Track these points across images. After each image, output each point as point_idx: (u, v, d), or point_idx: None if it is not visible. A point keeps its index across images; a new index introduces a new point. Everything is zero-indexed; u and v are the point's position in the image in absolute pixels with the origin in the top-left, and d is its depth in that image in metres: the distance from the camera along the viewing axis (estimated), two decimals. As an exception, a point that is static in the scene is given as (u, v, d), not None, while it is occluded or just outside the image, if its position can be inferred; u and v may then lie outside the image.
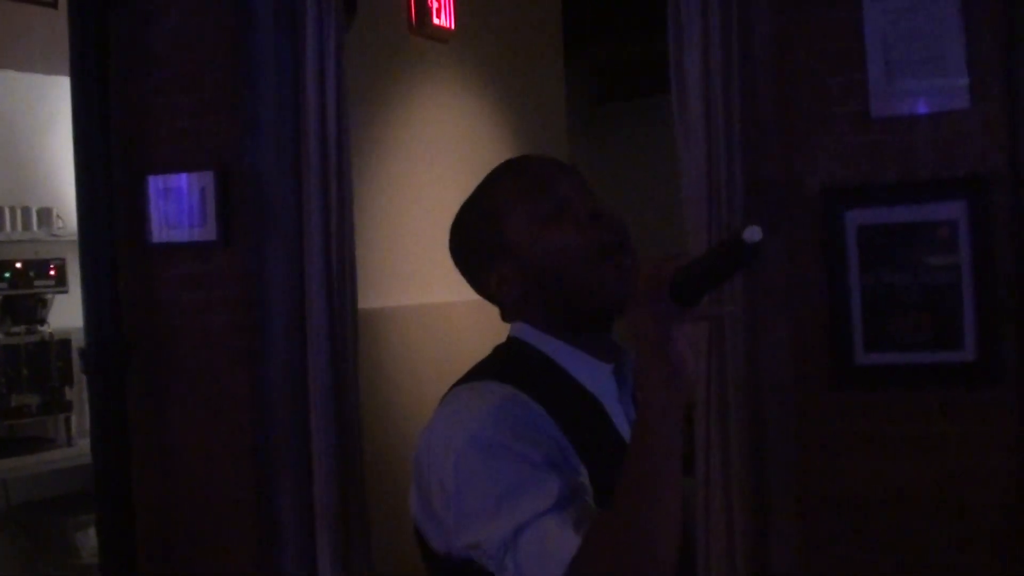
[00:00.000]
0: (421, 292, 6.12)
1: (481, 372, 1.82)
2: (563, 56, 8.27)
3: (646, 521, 1.53)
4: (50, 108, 6.59)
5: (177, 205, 4.85)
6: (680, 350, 1.54)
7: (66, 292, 6.41)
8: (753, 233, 1.48)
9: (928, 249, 3.76)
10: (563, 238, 1.81)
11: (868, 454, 3.87)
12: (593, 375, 1.84)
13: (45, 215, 6.66)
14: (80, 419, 6.31)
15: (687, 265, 1.54)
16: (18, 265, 6.33)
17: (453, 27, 6.60)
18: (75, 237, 4.99)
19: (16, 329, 6.36)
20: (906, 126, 3.80)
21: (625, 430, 1.82)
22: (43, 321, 6.48)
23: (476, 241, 1.91)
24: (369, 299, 5.30)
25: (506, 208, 1.87)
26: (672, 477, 1.56)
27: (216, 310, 4.81)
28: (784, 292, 3.90)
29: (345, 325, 4.60)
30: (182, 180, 4.84)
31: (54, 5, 6.35)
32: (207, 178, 4.79)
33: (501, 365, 1.84)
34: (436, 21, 6.43)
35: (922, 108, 3.78)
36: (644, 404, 1.56)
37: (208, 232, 4.80)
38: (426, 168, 6.39)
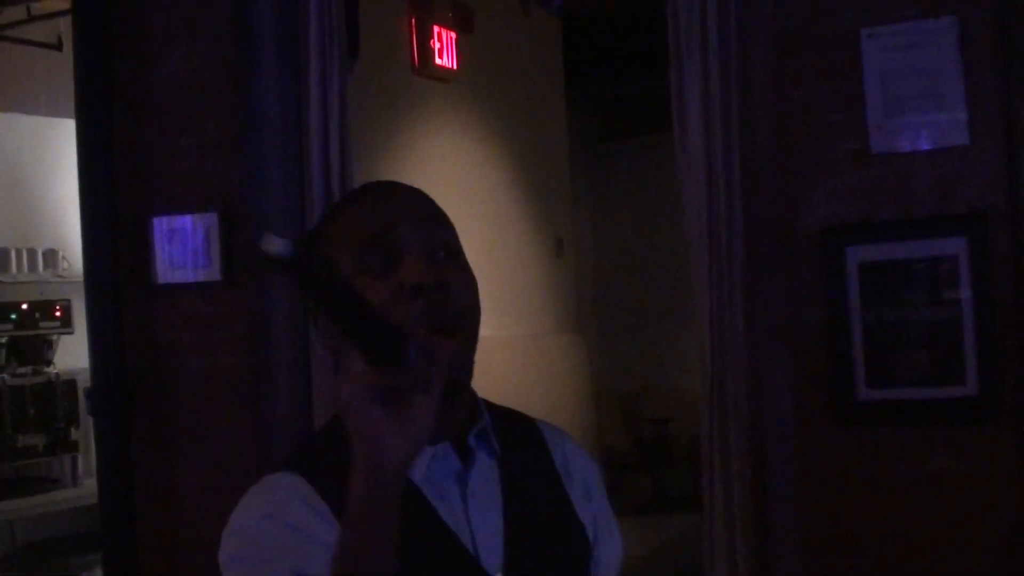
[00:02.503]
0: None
1: (292, 455, 1.69)
2: (565, 94, 8.31)
3: None
4: (55, 150, 6.64)
5: (182, 246, 4.87)
6: (382, 436, 1.33)
7: (72, 333, 6.43)
8: (267, 243, 1.24)
9: (929, 285, 3.77)
10: (370, 300, 1.43)
11: (870, 491, 3.86)
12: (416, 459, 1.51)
13: (51, 256, 6.70)
14: (86, 459, 6.33)
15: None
16: (24, 306, 6.36)
17: (455, 67, 6.65)
18: (80, 278, 5.02)
19: (22, 370, 6.39)
20: (905, 162, 3.82)
21: (457, 511, 1.62)
22: (49, 362, 6.50)
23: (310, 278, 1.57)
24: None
25: (332, 247, 1.61)
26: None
27: (221, 350, 4.83)
28: (785, 329, 3.90)
29: (349, 364, 4.60)
30: (186, 221, 4.86)
31: (59, 48, 6.41)
32: (211, 219, 4.81)
33: (311, 449, 1.70)
34: (438, 61, 6.48)
35: (921, 144, 3.80)
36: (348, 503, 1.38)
37: (213, 272, 4.82)
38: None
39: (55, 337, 6.53)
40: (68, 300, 6.46)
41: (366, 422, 1.32)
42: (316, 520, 1.53)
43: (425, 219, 1.64)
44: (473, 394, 1.73)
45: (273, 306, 4.68)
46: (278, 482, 1.61)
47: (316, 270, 1.31)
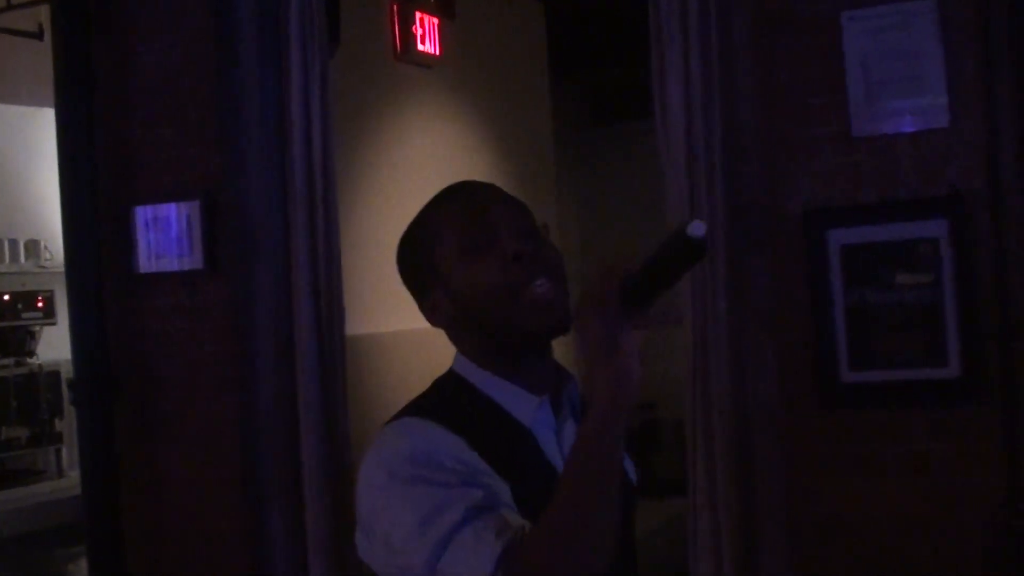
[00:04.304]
0: (409, 318, 6.07)
1: (409, 408, 1.85)
2: (549, 81, 8.29)
3: (582, 522, 1.56)
4: (36, 140, 6.61)
5: (164, 235, 4.85)
6: (627, 355, 1.57)
7: (55, 324, 6.41)
8: (697, 228, 1.44)
9: (911, 267, 3.77)
10: (484, 273, 1.81)
11: (855, 472, 3.87)
12: (524, 406, 1.85)
13: (32, 247, 6.68)
14: (71, 450, 6.31)
15: (636, 269, 1.54)
16: (6, 297, 6.34)
17: (438, 53, 6.62)
18: (63, 268, 5.00)
19: (5, 361, 6.36)
20: (887, 145, 3.82)
21: (557, 459, 1.83)
22: (32, 353, 6.48)
23: (413, 265, 1.93)
24: (357, 325, 5.30)
25: (438, 236, 1.87)
26: (611, 481, 1.59)
27: (204, 339, 4.81)
28: (768, 312, 3.90)
29: (333, 352, 4.60)
30: (168, 210, 4.84)
31: (40, 37, 6.36)
32: (193, 207, 4.79)
33: (429, 401, 1.86)
34: (421, 47, 6.46)
35: (903, 127, 3.80)
36: (590, 409, 1.59)
37: (195, 261, 4.81)
38: (412, 194, 6.37)
39: (38, 328, 6.51)
40: (51, 291, 6.44)
41: (620, 351, 1.56)
42: (465, 446, 1.73)
43: (510, 204, 1.90)
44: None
45: (256, 294, 4.66)
46: (411, 423, 1.79)
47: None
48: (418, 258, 1.90)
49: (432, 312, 1.90)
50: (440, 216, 1.89)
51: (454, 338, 1.92)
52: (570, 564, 1.56)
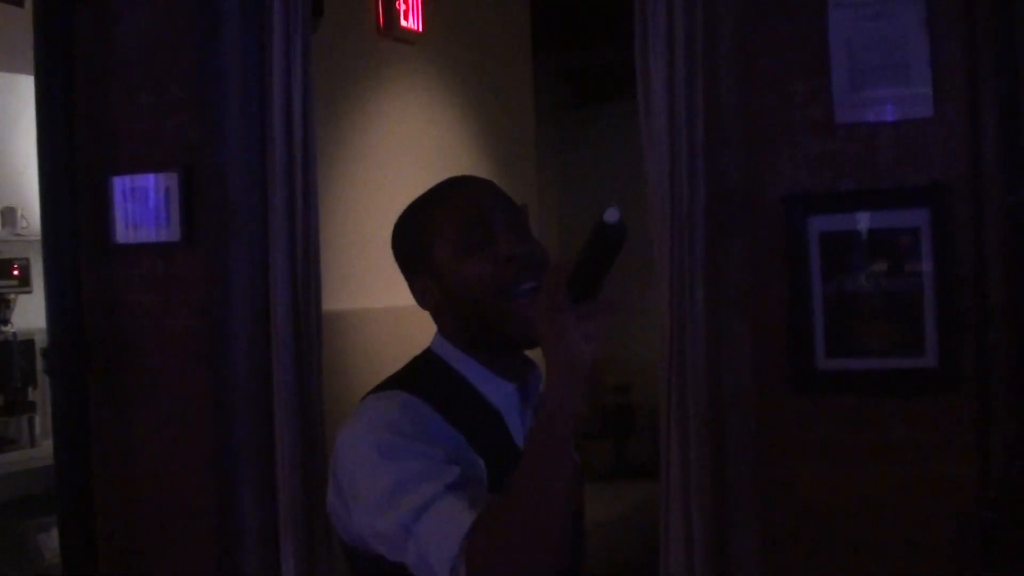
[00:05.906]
0: (386, 295, 6.10)
1: (391, 382, 1.98)
2: (532, 60, 8.28)
3: (537, 504, 1.67)
4: (15, 107, 6.56)
5: (142, 205, 4.83)
6: (575, 341, 1.67)
7: (30, 292, 6.37)
8: (611, 215, 1.58)
9: (890, 256, 3.78)
10: (478, 272, 1.94)
11: (828, 460, 3.88)
12: (497, 391, 1.99)
13: (9, 215, 6.63)
14: (44, 420, 6.26)
15: (576, 261, 1.67)
16: (-19, 264, 6.29)
17: (421, 29, 6.60)
18: (39, 237, 4.97)
19: (-21, 329, 6.32)
20: (869, 133, 3.82)
21: (518, 438, 1.99)
22: (7, 321, 6.43)
23: (408, 249, 2.06)
24: (334, 301, 5.29)
25: (438, 230, 1.99)
26: (563, 464, 1.70)
27: (179, 311, 4.79)
28: (746, 298, 3.90)
29: (310, 327, 4.59)
30: (147, 180, 4.82)
31: (20, 3, 6.31)
32: (172, 179, 4.76)
33: (410, 377, 2.00)
34: (404, 23, 6.43)
35: (885, 115, 3.80)
36: (545, 393, 1.72)
37: (172, 233, 4.78)
38: (392, 170, 6.39)
39: (13, 296, 6.46)
40: (27, 259, 6.39)
41: (569, 337, 1.68)
42: (447, 424, 1.89)
43: (508, 206, 2.02)
44: None
45: (232, 267, 4.65)
46: (397, 395, 1.91)
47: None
48: (414, 246, 2.04)
49: (421, 295, 2.04)
50: (440, 212, 2.01)
51: (437, 320, 2.06)
52: (528, 534, 1.66)
